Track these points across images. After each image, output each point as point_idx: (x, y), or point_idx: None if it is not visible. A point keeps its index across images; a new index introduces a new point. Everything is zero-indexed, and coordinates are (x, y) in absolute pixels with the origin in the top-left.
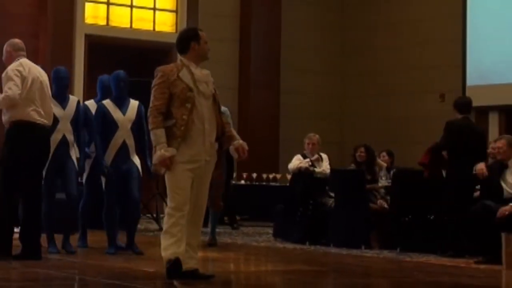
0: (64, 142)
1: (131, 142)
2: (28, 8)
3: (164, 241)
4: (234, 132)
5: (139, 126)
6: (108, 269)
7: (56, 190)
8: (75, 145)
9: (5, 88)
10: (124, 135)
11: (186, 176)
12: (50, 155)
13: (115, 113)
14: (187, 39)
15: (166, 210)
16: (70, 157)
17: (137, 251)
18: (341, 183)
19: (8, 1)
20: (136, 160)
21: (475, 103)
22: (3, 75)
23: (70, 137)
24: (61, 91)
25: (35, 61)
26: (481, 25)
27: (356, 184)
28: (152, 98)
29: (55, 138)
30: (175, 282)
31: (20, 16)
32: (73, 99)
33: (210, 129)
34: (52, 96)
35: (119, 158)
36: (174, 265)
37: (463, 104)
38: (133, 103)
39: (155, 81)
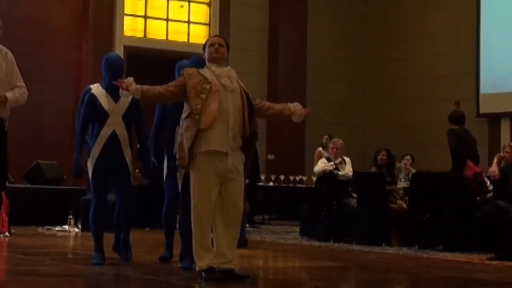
0: (114, 138)
1: None
2: (71, 21)
3: (196, 251)
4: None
5: None
6: (144, 265)
7: (107, 190)
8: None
9: (23, 84)
10: None
11: (210, 174)
12: (99, 152)
13: None
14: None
15: (192, 214)
16: (122, 155)
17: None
18: (363, 185)
19: (54, 15)
20: None
21: (487, 110)
22: (10, 59)
23: (123, 133)
24: (104, 79)
25: (78, 71)
26: (494, 37)
27: (377, 185)
28: None
29: (104, 134)
30: (208, 278)
31: (64, 29)
32: None
33: (235, 123)
34: (104, 87)
35: None
36: (207, 272)
37: (457, 117)
38: None
39: None
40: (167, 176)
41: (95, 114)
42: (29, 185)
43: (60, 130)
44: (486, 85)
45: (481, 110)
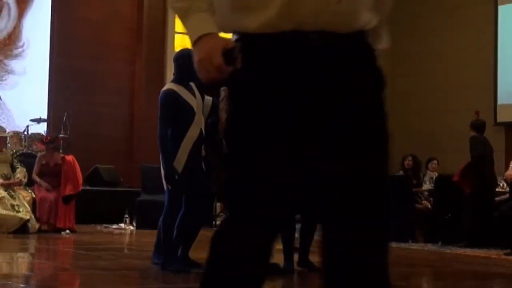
0: (200, 140)
1: None
2: (126, 39)
3: None
4: None
5: None
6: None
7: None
8: None
9: None
10: None
11: None
12: (186, 158)
13: None
14: None
15: None
16: (201, 159)
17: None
18: (391, 187)
19: (111, 33)
20: None
21: (504, 120)
22: None
23: (202, 132)
24: (182, 76)
25: (132, 83)
26: (510, 52)
27: (403, 187)
28: None
29: (192, 135)
30: None
31: (120, 45)
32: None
33: None
34: (180, 83)
35: None
36: None
37: (479, 125)
38: None
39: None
40: None
41: (180, 113)
42: (88, 187)
43: (117, 137)
44: (503, 97)
45: (499, 119)
